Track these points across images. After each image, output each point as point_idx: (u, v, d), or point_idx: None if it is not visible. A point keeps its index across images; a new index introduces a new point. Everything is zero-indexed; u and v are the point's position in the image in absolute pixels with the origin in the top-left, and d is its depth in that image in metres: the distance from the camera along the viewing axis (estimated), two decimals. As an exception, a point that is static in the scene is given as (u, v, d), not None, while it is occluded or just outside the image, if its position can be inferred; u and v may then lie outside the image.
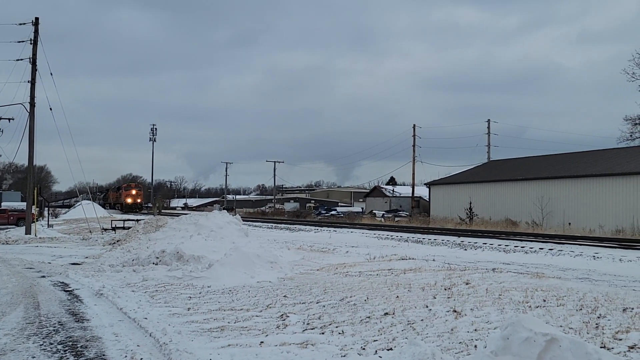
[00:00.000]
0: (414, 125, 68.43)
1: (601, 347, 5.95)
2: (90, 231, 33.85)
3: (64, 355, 6.72)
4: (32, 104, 31.64)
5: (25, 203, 36.64)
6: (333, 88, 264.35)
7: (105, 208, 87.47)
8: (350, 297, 10.12)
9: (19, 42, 32.23)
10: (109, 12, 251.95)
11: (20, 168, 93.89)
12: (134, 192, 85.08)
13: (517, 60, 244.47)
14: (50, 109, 32.79)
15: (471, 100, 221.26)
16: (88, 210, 42.51)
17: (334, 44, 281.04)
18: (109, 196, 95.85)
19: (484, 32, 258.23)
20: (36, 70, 31.93)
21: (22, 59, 32.22)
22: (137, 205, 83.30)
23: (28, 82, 31.87)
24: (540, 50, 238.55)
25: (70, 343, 7.27)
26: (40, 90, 31.96)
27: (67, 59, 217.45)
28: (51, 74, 32.11)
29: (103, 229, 34.73)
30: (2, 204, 55.20)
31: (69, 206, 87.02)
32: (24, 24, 32.18)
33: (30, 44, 32.00)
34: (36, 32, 32.05)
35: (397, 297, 10.00)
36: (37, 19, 32.21)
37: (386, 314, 8.56)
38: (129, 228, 29.01)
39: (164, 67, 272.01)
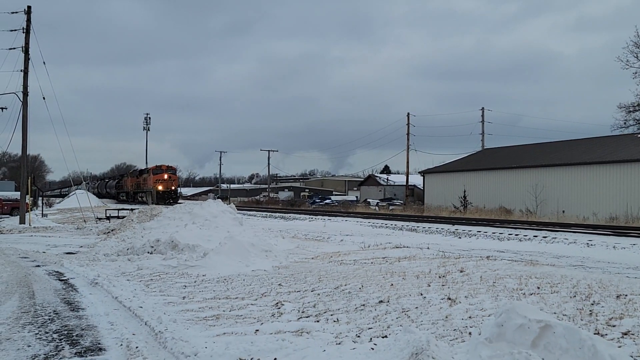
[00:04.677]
0: (408, 113, 68.44)
1: (595, 334, 5.98)
2: (84, 220, 33.76)
3: (59, 344, 6.72)
4: (25, 93, 31.49)
5: (19, 192, 36.51)
6: (328, 76, 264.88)
7: (119, 199, 74.58)
8: (345, 285, 10.14)
9: (12, 30, 32.05)
10: (103, 1, 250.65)
11: (14, 157, 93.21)
12: (166, 176, 62.21)
13: (513, 48, 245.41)
14: (44, 98, 32.62)
15: (467, 88, 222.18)
16: (82, 199, 42.41)
17: (329, 32, 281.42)
18: (124, 183, 75.28)
19: (481, 20, 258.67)
20: (29, 59, 31.76)
21: (14, 48, 32.06)
22: (172, 194, 61.09)
23: (21, 71, 31.72)
24: (537, 38, 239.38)
25: (66, 332, 7.27)
26: (33, 79, 31.89)
27: (61, 48, 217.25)
28: (44, 63, 32.15)
29: (97, 218, 34.66)
30: (-4, 193, 54.93)
31: (64, 195, 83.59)
32: (16, 12, 32.01)
33: (23, 32, 31.81)
34: (28, 20, 31.85)
35: (392, 285, 10.02)
36: (29, 7, 32.03)
37: (381, 301, 8.59)
38: (123, 217, 28.96)
39: (157, 56, 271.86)
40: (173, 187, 62.42)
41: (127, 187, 72.25)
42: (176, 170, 66.94)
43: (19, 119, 31.65)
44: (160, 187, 60.80)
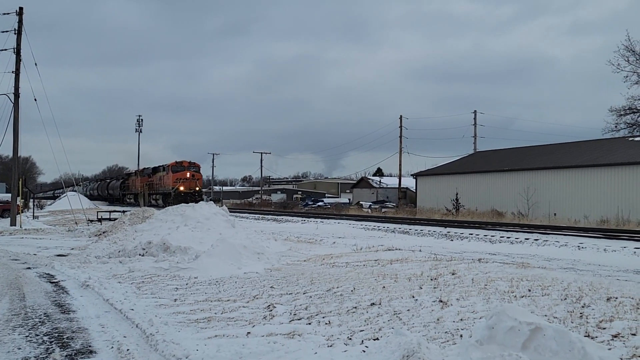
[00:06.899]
0: (401, 116, 68.71)
1: (585, 336, 6.00)
2: (76, 222, 33.62)
3: (50, 346, 6.69)
4: (17, 94, 31.36)
5: (10, 194, 36.34)
6: (323, 79, 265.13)
7: (125, 202, 67.05)
8: (337, 287, 10.14)
9: (3, 32, 31.92)
10: (97, 1, 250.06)
11: (5, 159, 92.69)
12: (188, 174, 53.52)
13: (508, 50, 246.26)
14: (35, 99, 32.53)
15: (461, 91, 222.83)
16: (74, 201, 42.23)
17: (326, 34, 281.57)
18: (131, 184, 66.91)
19: (478, 23, 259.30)
20: (20, 60, 31.64)
21: (5, 49, 31.92)
22: (195, 196, 50.17)
23: (12, 72, 31.59)
24: (532, 41, 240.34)
25: (57, 334, 7.24)
26: (25, 80, 31.70)
27: (54, 49, 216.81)
28: (35, 64, 31.93)
29: (89, 220, 34.50)
30: (-13, 195, 54.57)
31: (56, 197, 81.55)
32: (8, 13, 31.90)
33: (15, 34, 31.69)
34: (20, 22, 31.73)
35: (384, 287, 10.02)
36: (21, 8, 31.92)
37: (372, 304, 8.59)
38: (115, 219, 28.85)
39: (152, 57, 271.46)
40: (197, 188, 53.60)
41: (136, 187, 63.81)
42: (200, 168, 57.96)
43: (10, 120, 31.56)
44: (182, 188, 52.11)
